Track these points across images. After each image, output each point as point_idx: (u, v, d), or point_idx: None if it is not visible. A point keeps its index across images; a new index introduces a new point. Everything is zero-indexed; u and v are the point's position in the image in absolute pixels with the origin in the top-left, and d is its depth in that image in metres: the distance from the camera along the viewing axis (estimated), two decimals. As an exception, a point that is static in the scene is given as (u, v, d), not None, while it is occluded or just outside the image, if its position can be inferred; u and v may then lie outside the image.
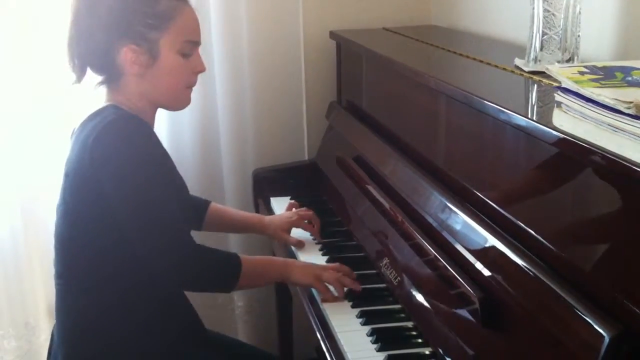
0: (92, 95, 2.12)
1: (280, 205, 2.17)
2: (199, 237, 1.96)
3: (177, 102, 1.60)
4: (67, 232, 1.51)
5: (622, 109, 1.08)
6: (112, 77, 1.53)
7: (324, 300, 1.56)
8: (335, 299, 1.56)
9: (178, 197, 1.56)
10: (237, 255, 1.55)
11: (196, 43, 1.57)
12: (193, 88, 1.61)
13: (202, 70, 1.59)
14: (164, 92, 1.55)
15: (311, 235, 1.91)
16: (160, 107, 1.61)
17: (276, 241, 1.96)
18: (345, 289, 1.59)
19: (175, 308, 1.60)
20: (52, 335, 1.61)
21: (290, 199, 2.20)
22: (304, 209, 1.96)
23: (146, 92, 1.54)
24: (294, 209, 1.96)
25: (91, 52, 1.50)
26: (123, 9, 1.48)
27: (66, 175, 1.51)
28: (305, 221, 1.91)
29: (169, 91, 1.56)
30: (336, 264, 1.65)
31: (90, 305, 1.51)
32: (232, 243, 2.39)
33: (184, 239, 1.47)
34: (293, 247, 1.88)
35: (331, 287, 1.59)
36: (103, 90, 1.56)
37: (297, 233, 1.92)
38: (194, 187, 2.27)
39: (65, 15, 1.53)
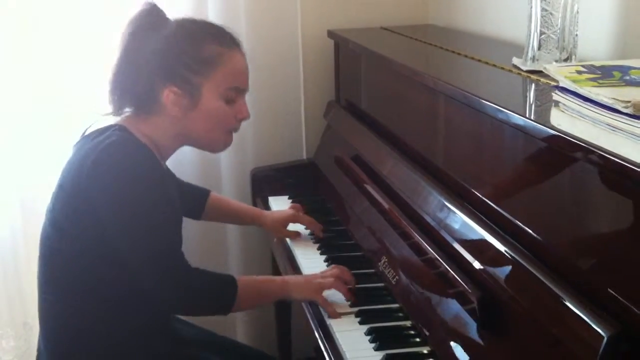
0: (91, 95, 2.15)
1: (278, 204, 2.17)
2: (199, 226, 1.96)
3: (214, 145, 1.60)
4: (55, 240, 1.50)
5: (620, 108, 1.08)
6: (147, 110, 1.52)
7: (332, 316, 1.51)
8: (338, 314, 1.52)
9: (179, 225, 1.56)
10: (232, 277, 1.53)
11: (242, 90, 1.56)
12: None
13: (245, 117, 1.58)
14: (201, 134, 1.55)
15: (308, 229, 1.93)
16: (196, 147, 1.62)
17: (274, 234, 1.97)
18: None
19: (158, 318, 1.60)
20: (38, 336, 1.60)
21: (289, 199, 2.20)
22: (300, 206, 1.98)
23: (181, 133, 1.54)
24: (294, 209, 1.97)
25: (134, 88, 1.51)
26: (168, 51, 1.49)
27: (60, 186, 1.49)
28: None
29: (207, 134, 1.55)
30: (334, 270, 1.62)
31: (73, 315, 1.50)
32: (231, 240, 2.38)
33: (178, 263, 1.46)
34: (291, 245, 1.88)
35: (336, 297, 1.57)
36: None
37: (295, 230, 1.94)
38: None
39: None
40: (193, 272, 1.49)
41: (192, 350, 1.65)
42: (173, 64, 1.49)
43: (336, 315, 1.51)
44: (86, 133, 1.56)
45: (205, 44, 1.50)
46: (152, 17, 1.52)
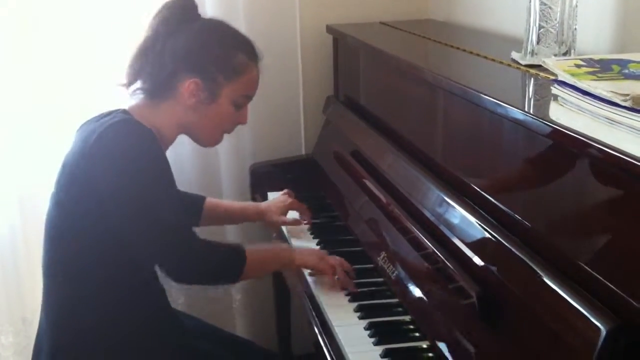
0: (90, 94, 2.15)
1: (277, 200, 2.17)
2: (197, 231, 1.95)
3: (208, 141, 1.68)
4: (57, 221, 1.53)
5: (618, 101, 1.08)
6: (159, 93, 1.57)
7: (340, 277, 1.59)
8: (338, 284, 1.60)
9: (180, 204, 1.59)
10: (240, 246, 1.57)
11: (250, 99, 1.66)
12: None
13: (244, 123, 1.68)
14: (204, 130, 1.63)
15: (303, 219, 1.95)
16: (190, 137, 1.66)
17: (274, 226, 1.98)
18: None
19: (163, 306, 1.62)
20: (40, 322, 1.61)
21: (287, 193, 2.20)
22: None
23: (183, 122, 1.59)
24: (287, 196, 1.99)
25: (155, 69, 1.56)
26: (203, 48, 1.57)
27: (63, 166, 1.53)
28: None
29: (209, 131, 1.64)
30: (340, 260, 1.66)
31: (75, 294, 1.52)
32: (230, 238, 2.38)
33: (187, 236, 1.50)
34: (290, 241, 1.88)
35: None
36: (118, 90, 1.60)
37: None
38: (192, 182, 2.27)
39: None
40: (202, 242, 1.51)
41: (195, 342, 1.66)
42: (205, 60, 1.56)
43: (342, 275, 1.60)
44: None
45: (237, 52, 1.60)
46: (187, 10, 1.60)
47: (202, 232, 1.56)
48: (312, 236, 1.90)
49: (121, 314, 1.52)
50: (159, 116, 1.57)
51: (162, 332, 1.58)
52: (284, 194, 1.99)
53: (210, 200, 1.93)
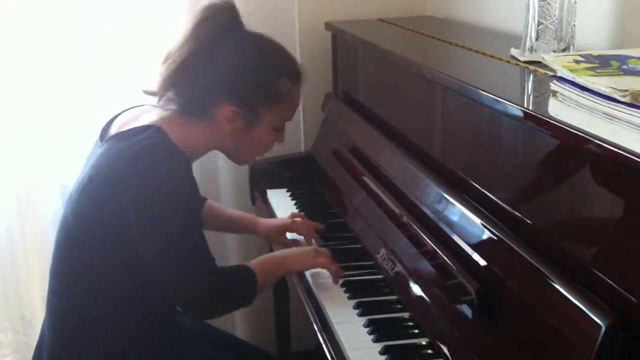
0: (90, 94, 2.15)
1: (276, 197, 2.17)
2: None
3: (243, 161, 1.67)
4: (75, 229, 1.49)
5: (617, 97, 1.08)
6: (194, 113, 1.50)
7: (335, 274, 1.60)
8: (342, 271, 1.62)
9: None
10: (247, 266, 1.54)
11: (289, 120, 1.61)
12: None
13: (282, 142, 1.63)
14: (239, 152, 1.60)
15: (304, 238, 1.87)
16: (224, 154, 1.62)
17: (269, 243, 1.96)
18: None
19: (164, 311, 1.60)
20: (43, 323, 1.60)
21: (287, 192, 2.20)
22: (301, 218, 1.91)
23: (218, 143, 1.56)
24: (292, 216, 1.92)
25: (194, 86, 1.48)
26: (244, 73, 1.49)
27: (89, 178, 1.45)
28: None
29: (244, 153, 1.61)
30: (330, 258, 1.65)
31: (81, 300, 1.50)
32: (229, 236, 2.38)
33: (206, 277, 1.46)
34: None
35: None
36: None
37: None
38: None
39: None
40: (218, 277, 1.49)
41: (194, 343, 1.65)
42: (246, 87, 1.49)
43: (340, 272, 1.60)
44: (113, 121, 1.55)
45: (281, 77, 1.53)
46: (230, 20, 1.51)
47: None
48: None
49: (125, 318, 1.51)
50: (191, 135, 1.49)
51: (164, 335, 1.57)
52: (290, 215, 1.90)
53: (211, 203, 1.89)
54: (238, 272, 1.55)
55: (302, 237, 1.86)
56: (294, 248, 1.76)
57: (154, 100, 1.54)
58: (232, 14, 1.51)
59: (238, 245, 2.40)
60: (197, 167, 2.27)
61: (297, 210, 2.05)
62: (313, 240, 1.82)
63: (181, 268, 1.43)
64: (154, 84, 1.52)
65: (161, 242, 1.41)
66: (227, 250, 2.40)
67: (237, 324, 2.47)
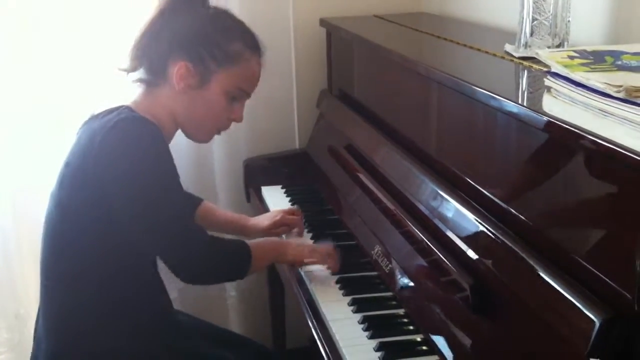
0: (89, 94, 2.14)
1: (271, 194, 2.17)
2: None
3: (199, 135, 1.63)
4: (58, 220, 1.50)
5: (611, 92, 1.07)
6: (154, 80, 1.55)
7: (333, 269, 1.63)
8: (338, 266, 1.64)
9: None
10: (245, 243, 1.56)
11: (246, 94, 1.61)
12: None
13: (238, 120, 1.63)
14: (192, 119, 1.58)
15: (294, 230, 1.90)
16: (183, 131, 1.62)
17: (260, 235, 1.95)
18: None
19: (155, 293, 1.61)
20: (37, 320, 1.60)
21: (282, 188, 2.20)
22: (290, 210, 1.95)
23: (175, 110, 1.56)
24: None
25: (152, 51, 1.53)
26: (198, 30, 1.53)
27: (67, 164, 1.50)
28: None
29: (197, 122, 1.59)
30: (328, 249, 1.68)
31: (74, 296, 1.50)
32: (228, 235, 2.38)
33: (195, 233, 1.48)
34: (285, 236, 1.87)
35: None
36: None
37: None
38: (186, 177, 2.25)
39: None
40: (210, 238, 1.50)
41: (193, 343, 1.65)
42: (197, 43, 1.52)
43: (337, 267, 1.63)
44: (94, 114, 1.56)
45: (234, 40, 1.55)
46: None
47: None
48: (307, 230, 1.90)
49: (121, 316, 1.50)
50: (155, 106, 1.54)
51: (162, 335, 1.56)
52: (279, 210, 1.93)
53: (207, 204, 1.90)
54: (234, 243, 1.57)
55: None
56: (294, 239, 1.79)
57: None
58: None
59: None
60: (192, 165, 2.31)
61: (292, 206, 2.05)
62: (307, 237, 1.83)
63: (171, 231, 1.44)
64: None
65: (142, 206, 1.43)
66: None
67: (232, 320, 2.46)
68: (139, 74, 1.56)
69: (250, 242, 1.58)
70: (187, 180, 2.20)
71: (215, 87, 1.54)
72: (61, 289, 1.52)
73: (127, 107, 1.50)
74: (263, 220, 1.90)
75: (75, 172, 1.47)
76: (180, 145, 2.22)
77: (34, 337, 1.60)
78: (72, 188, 1.48)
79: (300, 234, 1.88)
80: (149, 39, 1.53)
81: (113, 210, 1.43)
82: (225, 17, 1.60)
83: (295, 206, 2.00)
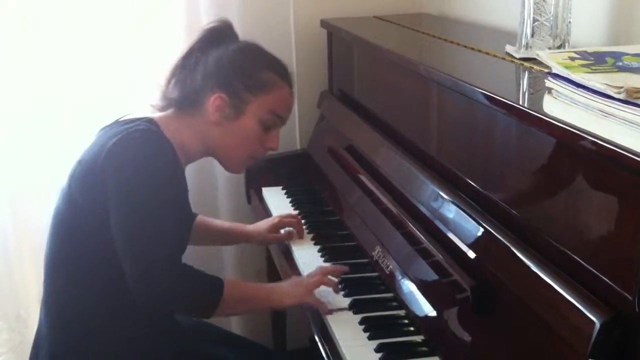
0: (89, 94, 2.14)
1: (272, 195, 2.17)
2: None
3: (232, 163, 1.65)
4: (67, 217, 1.51)
5: (612, 94, 1.07)
6: (187, 107, 1.58)
7: (325, 313, 1.48)
8: (330, 311, 1.49)
9: (183, 226, 1.57)
10: (220, 280, 1.47)
11: (281, 120, 1.63)
12: None
13: (274, 148, 1.65)
14: (226, 148, 1.60)
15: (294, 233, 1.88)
16: (215, 158, 1.65)
17: (264, 244, 1.95)
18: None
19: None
20: (40, 320, 1.60)
21: (283, 189, 2.20)
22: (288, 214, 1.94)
23: (208, 138, 1.58)
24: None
25: (186, 84, 1.58)
26: (231, 65, 1.58)
27: (79, 162, 1.51)
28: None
29: (231, 150, 1.61)
30: (318, 269, 1.60)
31: (77, 296, 1.50)
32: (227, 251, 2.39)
33: (169, 267, 1.41)
34: (287, 242, 1.87)
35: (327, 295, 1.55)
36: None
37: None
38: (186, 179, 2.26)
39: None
40: (181, 272, 1.43)
41: (195, 343, 1.65)
42: (231, 74, 1.57)
43: (328, 312, 1.48)
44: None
45: (265, 69, 1.60)
46: (224, 31, 1.65)
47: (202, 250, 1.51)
48: (307, 231, 1.90)
49: (123, 317, 1.50)
50: (184, 130, 1.56)
51: (164, 336, 1.56)
52: (276, 216, 1.92)
53: (202, 218, 1.87)
54: (205, 279, 1.47)
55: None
56: (288, 280, 1.60)
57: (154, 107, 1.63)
58: (224, 30, 1.65)
59: (235, 250, 2.39)
60: (193, 166, 2.29)
61: (292, 207, 2.05)
62: (311, 242, 1.82)
63: (146, 257, 1.39)
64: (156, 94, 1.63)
65: (130, 226, 1.40)
66: (223, 260, 2.40)
67: (233, 321, 2.46)
68: (169, 94, 1.60)
69: (232, 283, 1.51)
70: (188, 183, 2.21)
71: (249, 116, 1.57)
72: (65, 290, 1.52)
73: (150, 120, 1.52)
74: (262, 224, 1.90)
75: (86, 173, 1.48)
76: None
77: (35, 338, 1.60)
78: (82, 187, 1.48)
79: (300, 236, 1.86)
80: (182, 74, 1.59)
81: (110, 215, 1.43)
82: (255, 49, 1.65)
83: (296, 212, 1.99)
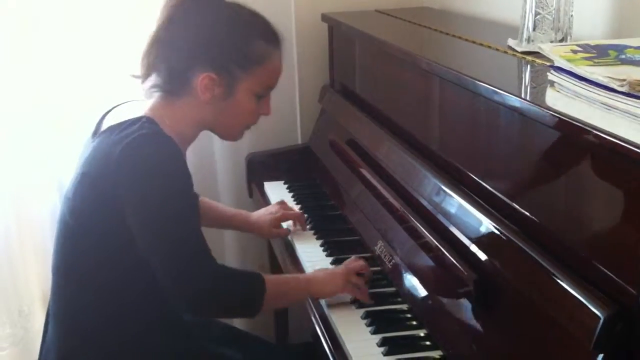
0: (90, 95, 2.14)
1: (274, 189, 2.17)
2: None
3: (232, 136, 1.59)
4: (71, 226, 1.47)
5: (615, 86, 1.07)
6: (175, 90, 1.48)
7: (366, 300, 1.49)
8: (369, 297, 1.50)
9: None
10: (260, 275, 1.45)
11: (272, 88, 1.56)
12: None
13: (268, 114, 1.57)
14: (224, 125, 1.54)
15: (296, 227, 1.88)
16: (212, 132, 1.58)
17: (263, 237, 1.95)
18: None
19: (166, 295, 1.58)
20: (46, 320, 1.59)
21: (285, 184, 2.20)
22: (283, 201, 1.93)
23: (202, 119, 1.51)
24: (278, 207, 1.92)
25: (170, 62, 1.47)
26: (219, 38, 1.46)
27: (83, 174, 1.45)
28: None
29: (230, 126, 1.55)
30: (354, 263, 1.58)
31: (85, 296, 1.48)
32: (227, 239, 2.38)
33: (206, 266, 1.39)
34: (290, 237, 1.87)
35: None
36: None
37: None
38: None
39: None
40: (220, 272, 1.42)
41: (200, 341, 1.64)
42: (217, 51, 1.45)
43: (370, 299, 1.49)
44: (105, 118, 1.53)
45: (254, 39, 1.48)
46: None
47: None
48: (309, 226, 1.89)
49: (130, 317, 1.49)
50: (178, 118, 1.48)
51: (170, 335, 1.55)
52: (277, 204, 1.91)
53: (204, 199, 1.84)
54: (246, 276, 1.48)
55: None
56: (322, 271, 1.59)
57: (142, 93, 1.53)
58: None
59: (237, 244, 2.39)
60: (194, 160, 2.30)
61: (294, 202, 2.05)
62: (320, 249, 1.80)
63: (181, 260, 1.37)
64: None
65: (159, 233, 1.38)
66: (225, 254, 2.40)
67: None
68: (155, 80, 1.50)
69: (270, 277, 1.48)
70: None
71: (243, 93, 1.49)
72: (72, 290, 1.50)
73: (148, 119, 1.44)
74: (264, 218, 1.88)
75: (93, 183, 1.43)
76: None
77: (43, 339, 1.60)
78: (88, 198, 1.44)
79: (303, 229, 1.86)
80: (162, 47, 1.47)
81: (126, 226, 1.40)
82: (240, 14, 1.51)
83: (297, 207, 1.98)
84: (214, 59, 1.45)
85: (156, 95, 1.51)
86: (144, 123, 1.43)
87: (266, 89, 1.53)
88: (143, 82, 1.51)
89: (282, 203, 1.93)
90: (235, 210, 1.97)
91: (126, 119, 1.47)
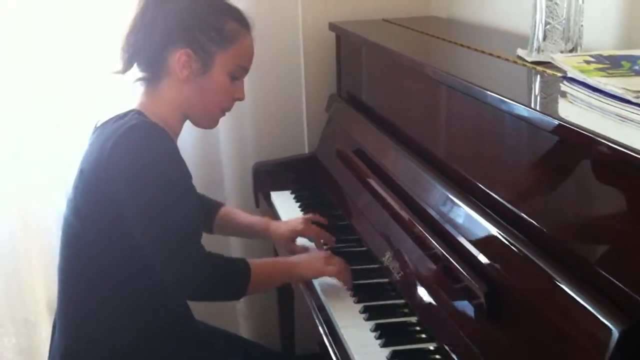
0: (91, 95, 2.13)
1: (281, 199, 2.16)
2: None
3: (208, 121, 1.62)
4: (74, 227, 1.50)
5: (630, 98, 1.06)
6: (155, 76, 1.53)
7: (348, 287, 1.58)
8: (351, 283, 1.59)
9: (196, 210, 1.54)
10: (245, 261, 1.52)
11: (246, 70, 1.60)
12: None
13: (241, 98, 1.61)
14: (200, 106, 1.57)
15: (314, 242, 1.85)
16: (190, 120, 1.61)
17: (281, 248, 1.91)
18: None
19: (173, 302, 1.58)
20: (54, 325, 1.59)
21: (291, 193, 2.19)
22: (311, 216, 1.88)
23: (181, 101, 1.54)
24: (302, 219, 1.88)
25: (146, 46, 1.51)
26: (192, 16, 1.51)
27: (81, 171, 1.49)
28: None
29: (205, 107, 1.58)
30: (338, 260, 1.62)
31: (90, 298, 1.49)
32: (232, 242, 2.37)
33: (193, 250, 1.44)
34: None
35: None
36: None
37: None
38: (194, 182, 2.24)
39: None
40: (207, 257, 1.47)
41: (208, 350, 1.63)
42: (194, 29, 1.51)
43: (351, 286, 1.58)
44: (98, 125, 1.55)
45: (228, 19, 1.54)
46: None
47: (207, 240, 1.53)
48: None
49: (137, 321, 1.49)
50: (162, 107, 1.52)
51: (178, 342, 1.55)
52: (303, 217, 1.87)
53: (227, 209, 1.87)
54: (231, 261, 1.54)
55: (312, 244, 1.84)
56: (304, 254, 1.71)
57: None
58: None
59: (242, 245, 2.38)
60: (201, 169, 2.30)
61: (301, 212, 2.04)
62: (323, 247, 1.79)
63: (170, 247, 1.42)
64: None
65: (149, 212, 1.41)
66: (230, 248, 2.39)
67: (241, 326, 2.45)
68: (138, 73, 1.55)
69: (254, 262, 1.54)
70: (195, 185, 2.20)
71: (218, 69, 1.53)
72: (78, 293, 1.51)
73: (137, 112, 1.49)
74: (282, 230, 1.84)
75: (89, 180, 1.46)
76: (188, 148, 2.22)
77: (50, 344, 1.59)
78: (87, 195, 1.47)
79: (330, 245, 1.81)
80: (140, 34, 1.51)
81: (125, 218, 1.42)
82: None
83: (317, 215, 1.91)
84: (189, 37, 1.50)
85: (141, 88, 1.56)
86: (133, 115, 1.48)
87: (240, 70, 1.57)
88: (123, 73, 1.56)
89: (307, 219, 1.87)
90: (257, 218, 1.93)
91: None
